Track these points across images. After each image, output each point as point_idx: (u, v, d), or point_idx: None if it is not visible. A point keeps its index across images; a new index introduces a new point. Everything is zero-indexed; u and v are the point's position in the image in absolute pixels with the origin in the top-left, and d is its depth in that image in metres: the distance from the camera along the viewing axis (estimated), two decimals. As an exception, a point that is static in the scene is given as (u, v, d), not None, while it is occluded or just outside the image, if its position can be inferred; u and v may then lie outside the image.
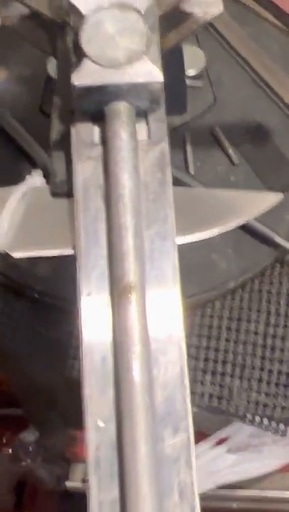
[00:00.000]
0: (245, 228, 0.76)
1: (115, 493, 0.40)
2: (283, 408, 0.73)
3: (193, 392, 0.74)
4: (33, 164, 0.73)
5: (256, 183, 0.79)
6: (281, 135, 0.82)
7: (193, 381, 0.74)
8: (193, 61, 0.84)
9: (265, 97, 0.85)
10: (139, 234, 0.42)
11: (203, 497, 0.92)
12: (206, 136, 0.82)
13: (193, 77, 0.84)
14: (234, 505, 1.01)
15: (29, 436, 1.26)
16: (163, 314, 0.43)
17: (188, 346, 0.74)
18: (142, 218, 0.44)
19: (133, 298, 0.41)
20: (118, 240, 0.42)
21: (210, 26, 0.88)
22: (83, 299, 0.43)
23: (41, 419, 1.14)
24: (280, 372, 0.73)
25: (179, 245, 0.74)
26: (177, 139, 0.81)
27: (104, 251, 0.44)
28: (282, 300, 0.75)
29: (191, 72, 0.84)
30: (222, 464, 0.82)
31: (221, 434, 0.83)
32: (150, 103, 0.46)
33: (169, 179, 0.46)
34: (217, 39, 0.89)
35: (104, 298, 0.43)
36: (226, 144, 0.81)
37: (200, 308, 0.76)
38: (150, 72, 0.43)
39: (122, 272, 0.41)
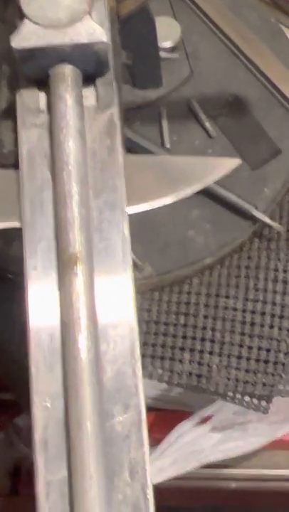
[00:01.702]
0: (223, 202, 0.74)
1: (64, 472, 0.38)
2: (264, 385, 0.71)
3: (171, 371, 0.72)
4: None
5: (234, 156, 0.77)
6: (259, 107, 0.80)
7: (171, 360, 0.72)
8: (169, 33, 0.82)
9: (243, 68, 0.83)
10: (85, 203, 0.41)
11: (196, 477, 0.91)
12: (183, 110, 0.80)
13: (169, 50, 0.82)
14: (233, 485, 1.00)
15: (23, 420, 1.25)
16: (112, 287, 0.41)
17: (166, 324, 0.73)
18: (90, 187, 0.42)
19: (78, 269, 0.39)
20: (63, 209, 0.40)
21: (186, -2, 0.86)
22: (29, 273, 0.41)
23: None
24: (259, 349, 0.72)
25: (155, 222, 0.73)
26: (153, 112, 0.79)
27: (50, 222, 0.42)
28: (261, 275, 0.73)
29: (166, 44, 0.82)
30: (206, 443, 0.80)
31: (205, 412, 0.81)
32: (97, 65, 0.44)
33: (119, 146, 0.44)
34: (193, 10, 0.86)
35: (52, 271, 0.41)
36: (203, 116, 0.79)
37: (177, 285, 0.74)
38: (93, 31, 0.41)
39: (67, 243, 0.40)
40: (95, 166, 0.43)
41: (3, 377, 1.00)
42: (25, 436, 1.25)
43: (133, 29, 0.73)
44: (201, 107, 0.79)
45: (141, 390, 0.40)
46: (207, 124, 0.78)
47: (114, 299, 0.41)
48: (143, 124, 0.78)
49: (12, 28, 0.48)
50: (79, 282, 0.39)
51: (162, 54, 0.81)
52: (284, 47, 0.84)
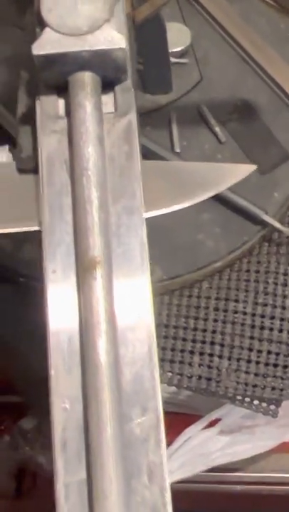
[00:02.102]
0: (233, 207, 0.75)
1: (82, 474, 0.39)
2: (273, 388, 0.71)
3: (181, 374, 0.72)
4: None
5: (243, 161, 0.77)
6: (269, 112, 0.81)
7: (181, 363, 0.73)
8: (179, 38, 0.83)
9: (252, 74, 0.83)
10: (104, 208, 0.41)
11: (202, 480, 0.92)
12: (193, 115, 0.81)
13: (179, 55, 0.83)
14: (238, 488, 1.00)
15: (28, 423, 1.25)
16: (131, 291, 0.42)
17: (176, 328, 0.73)
18: (108, 192, 0.42)
19: (98, 273, 0.40)
20: (82, 214, 0.41)
21: (195, 2, 0.87)
22: (48, 277, 0.42)
23: (39, 406, 1.13)
24: (269, 352, 0.72)
25: (164, 226, 0.74)
26: (163, 117, 0.80)
27: (69, 227, 0.43)
28: (271, 279, 0.74)
29: (176, 49, 0.82)
30: (214, 446, 0.81)
31: (213, 415, 0.81)
32: (116, 72, 0.45)
33: (137, 152, 0.44)
34: (203, 15, 0.87)
35: (71, 275, 0.42)
36: (213, 122, 0.79)
37: (187, 289, 0.75)
38: (112, 38, 0.42)
39: (86, 247, 0.40)
40: (114, 172, 0.44)
41: (11, 379, 1.00)
42: (31, 438, 1.26)
43: (144, 34, 0.73)
44: (211, 112, 0.80)
45: (159, 393, 0.40)
46: (217, 129, 0.79)
47: (132, 302, 0.41)
48: (153, 128, 0.79)
49: (30, 34, 0.48)
50: (98, 286, 0.39)
51: (172, 59, 0.82)
52: (293, 53, 0.85)
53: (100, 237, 0.40)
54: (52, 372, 0.40)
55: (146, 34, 0.75)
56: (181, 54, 0.83)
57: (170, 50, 0.80)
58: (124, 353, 0.40)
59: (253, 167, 0.49)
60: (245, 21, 0.86)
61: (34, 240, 0.73)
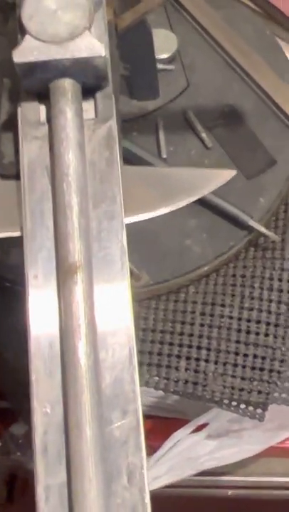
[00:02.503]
0: (219, 212, 0.75)
1: (63, 476, 0.39)
2: (259, 392, 0.72)
3: (168, 379, 0.73)
4: None
5: (230, 167, 0.78)
6: (255, 118, 0.81)
7: (168, 367, 0.73)
8: (165, 45, 0.84)
9: (238, 80, 0.84)
10: (84, 213, 0.42)
11: (192, 485, 0.92)
12: (179, 120, 0.81)
13: (166, 61, 0.84)
14: (229, 492, 1.01)
15: (19, 428, 1.25)
16: (111, 296, 0.42)
17: (163, 332, 0.74)
18: (89, 198, 0.43)
19: (78, 278, 0.40)
20: (63, 220, 0.41)
21: (182, 9, 0.87)
22: (30, 282, 0.42)
23: (29, 411, 1.13)
24: (255, 356, 0.72)
25: (152, 231, 0.74)
26: (150, 123, 0.80)
27: (50, 232, 0.43)
28: (256, 284, 0.74)
29: (163, 55, 0.83)
30: (201, 450, 0.81)
31: (201, 420, 0.82)
32: (96, 79, 0.45)
33: (117, 158, 0.45)
34: (190, 22, 0.87)
35: (52, 280, 0.42)
36: (199, 127, 0.80)
37: (174, 294, 0.75)
38: (92, 46, 0.42)
39: (67, 252, 0.40)
40: (94, 177, 0.44)
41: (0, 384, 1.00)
42: (22, 444, 1.26)
43: (130, 41, 0.73)
44: (198, 117, 0.81)
45: (138, 396, 0.41)
46: (203, 135, 0.79)
47: (112, 307, 0.42)
48: (140, 134, 0.79)
49: (12, 41, 0.49)
50: (79, 291, 0.40)
51: (159, 65, 0.82)
52: (279, 59, 0.85)
53: (80, 242, 0.41)
54: (33, 376, 0.41)
55: (133, 40, 0.76)
56: (168, 60, 0.84)
57: (157, 57, 0.81)
58: (104, 357, 0.41)
59: (233, 172, 0.50)
60: (231, 27, 0.87)
61: (20, 245, 0.74)
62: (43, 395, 0.40)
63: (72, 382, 0.39)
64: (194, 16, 0.87)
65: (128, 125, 0.78)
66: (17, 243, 0.74)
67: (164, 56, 0.83)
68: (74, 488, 0.37)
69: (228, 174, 0.49)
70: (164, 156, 0.78)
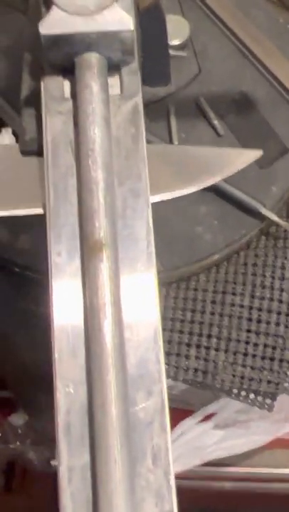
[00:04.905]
0: (231, 200, 0.75)
1: (86, 457, 0.38)
2: (269, 382, 0.71)
3: (177, 367, 0.72)
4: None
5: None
6: (267, 105, 0.81)
7: (177, 355, 0.72)
8: (178, 31, 0.83)
9: (250, 67, 0.83)
10: (110, 190, 0.41)
11: (193, 476, 0.91)
12: (191, 107, 0.80)
13: (178, 47, 0.83)
14: (227, 485, 1.00)
15: (18, 418, 1.25)
16: (136, 274, 0.41)
17: (173, 320, 0.73)
18: (114, 175, 0.42)
19: (104, 256, 0.39)
20: (88, 196, 0.40)
21: (194, -5, 0.87)
22: (53, 259, 0.41)
23: (30, 401, 1.12)
24: (265, 346, 0.72)
25: (162, 218, 0.73)
26: (161, 110, 0.79)
27: (74, 208, 0.42)
28: (268, 273, 0.74)
29: (175, 42, 0.82)
30: (208, 440, 0.81)
31: (208, 410, 0.81)
32: (122, 54, 0.44)
33: (142, 135, 0.44)
34: (202, 8, 0.86)
35: (76, 257, 0.41)
36: (211, 115, 0.79)
37: (184, 282, 0.75)
38: (120, 19, 0.41)
39: (92, 229, 0.40)
40: (120, 154, 0.43)
41: (2, 373, 1.00)
42: (21, 434, 1.25)
43: (143, 26, 0.73)
44: (209, 105, 0.80)
45: (163, 377, 0.40)
46: (215, 122, 0.79)
47: (138, 285, 0.41)
48: (151, 121, 0.78)
49: (33, 16, 0.48)
50: (104, 268, 0.39)
51: (171, 52, 0.81)
52: (291, 47, 0.85)
53: (105, 219, 0.40)
54: (56, 355, 0.40)
55: (146, 26, 0.75)
56: (180, 47, 0.83)
57: (169, 43, 0.80)
58: (129, 337, 0.40)
59: (259, 153, 0.49)
60: (243, 15, 0.86)
61: (30, 230, 0.73)
62: (66, 374, 0.39)
63: (97, 361, 0.38)
64: (206, 3, 0.86)
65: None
66: (27, 228, 0.73)
67: (176, 42, 0.82)
68: (98, 469, 0.36)
69: (253, 154, 0.48)
70: (176, 142, 0.78)
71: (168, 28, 0.79)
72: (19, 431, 1.24)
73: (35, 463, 1.25)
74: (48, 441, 1.23)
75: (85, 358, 0.40)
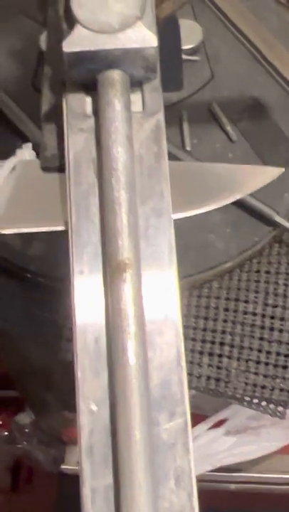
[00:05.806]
0: (243, 207, 0.74)
1: (109, 479, 0.38)
2: (281, 390, 0.71)
3: (190, 374, 0.72)
4: (25, 140, 0.71)
5: (254, 160, 0.77)
6: (280, 111, 0.80)
7: (190, 363, 0.72)
8: (190, 35, 0.82)
9: (263, 72, 0.83)
10: (133, 210, 0.40)
11: (201, 479, 0.91)
12: (204, 113, 0.80)
13: (190, 52, 0.82)
14: (232, 487, 1.00)
15: (25, 418, 1.25)
16: (159, 294, 0.41)
17: (185, 328, 0.73)
18: (137, 194, 0.42)
19: (128, 276, 0.39)
20: (111, 216, 0.40)
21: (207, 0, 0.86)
22: (76, 278, 0.41)
23: (37, 401, 1.13)
24: (278, 354, 0.72)
25: (175, 225, 0.73)
26: (174, 115, 0.79)
27: (97, 227, 0.42)
28: (281, 280, 0.74)
29: (187, 46, 0.82)
30: (220, 447, 0.81)
31: (220, 416, 0.81)
32: (145, 71, 0.44)
33: (165, 153, 0.44)
34: (215, 13, 0.86)
35: (98, 276, 0.41)
36: (224, 120, 0.79)
37: (197, 289, 0.74)
38: (144, 37, 0.41)
39: (116, 249, 0.39)
40: (142, 172, 0.43)
41: (9, 372, 1.00)
42: (28, 433, 1.25)
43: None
44: (222, 110, 0.79)
45: (186, 398, 0.40)
46: (228, 128, 0.78)
47: (160, 305, 0.41)
48: (164, 126, 0.78)
49: (54, 32, 0.48)
50: (128, 289, 0.39)
51: (183, 56, 0.81)
52: (303, 51, 0.84)
53: (129, 239, 0.40)
54: (78, 373, 0.40)
55: (159, 30, 0.75)
56: (193, 51, 0.82)
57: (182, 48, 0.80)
58: (152, 357, 0.40)
59: (282, 170, 0.49)
60: (256, 19, 0.86)
61: (43, 237, 0.73)
62: (88, 393, 0.39)
63: (121, 382, 0.38)
64: (219, 7, 0.86)
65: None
66: (39, 236, 0.73)
67: (189, 47, 0.82)
68: (123, 491, 0.36)
69: (276, 172, 0.48)
70: (188, 148, 0.77)
71: (181, 33, 0.79)
72: (26, 430, 1.24)
73: (41, 462, 1.25)
74: (54, 440, 1.23)
75: (107, 378, 0.40)
